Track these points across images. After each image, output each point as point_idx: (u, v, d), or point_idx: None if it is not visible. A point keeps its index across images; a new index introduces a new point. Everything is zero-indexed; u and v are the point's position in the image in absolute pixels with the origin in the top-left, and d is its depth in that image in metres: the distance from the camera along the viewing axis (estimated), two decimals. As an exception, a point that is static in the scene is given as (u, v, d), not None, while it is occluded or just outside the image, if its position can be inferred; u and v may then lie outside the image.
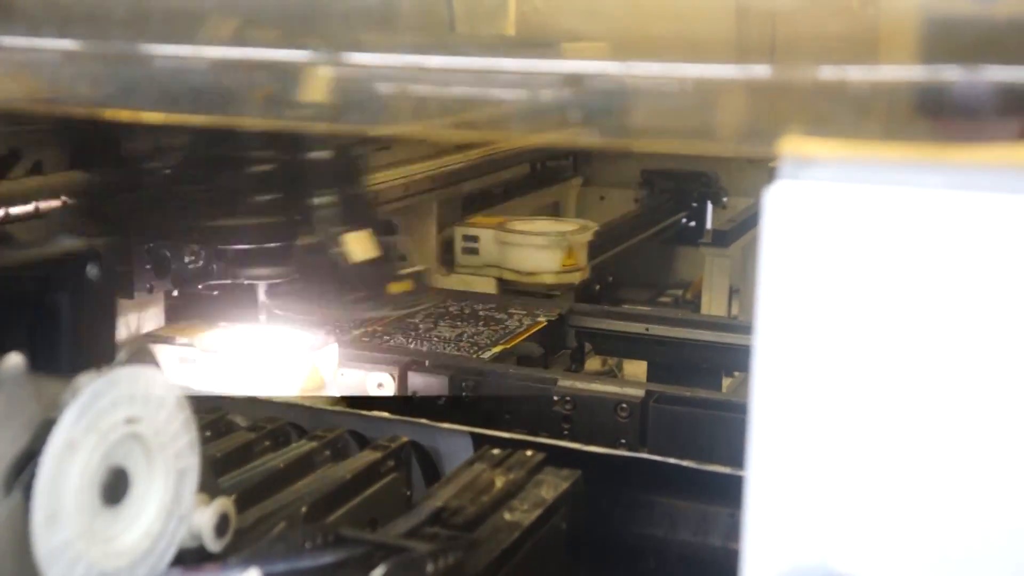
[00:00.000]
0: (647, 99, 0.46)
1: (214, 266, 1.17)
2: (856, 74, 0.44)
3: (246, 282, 1.18)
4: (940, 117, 0.42)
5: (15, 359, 0.55)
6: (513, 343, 1.34)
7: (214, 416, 0.90)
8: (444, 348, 1.31)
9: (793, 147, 0.43)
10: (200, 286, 1.20)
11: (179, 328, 1.23)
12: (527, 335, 1.37)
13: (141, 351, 0.59)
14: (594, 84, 0.48)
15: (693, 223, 2.60)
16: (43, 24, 0.60)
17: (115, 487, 0.57)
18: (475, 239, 1.82)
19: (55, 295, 0.53)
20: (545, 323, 1.42)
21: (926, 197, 0.41)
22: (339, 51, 0.56)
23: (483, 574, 0.71)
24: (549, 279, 1.66)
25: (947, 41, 0.43)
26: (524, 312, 1.46)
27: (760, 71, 0.46)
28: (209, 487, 0.64)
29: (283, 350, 1.13)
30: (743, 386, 1.46)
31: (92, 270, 0.53)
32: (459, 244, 1.84)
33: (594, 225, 1.83)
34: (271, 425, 0.90)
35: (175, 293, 1.23)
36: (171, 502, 0.60)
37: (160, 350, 1.16)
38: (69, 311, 0.53)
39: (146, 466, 0.59)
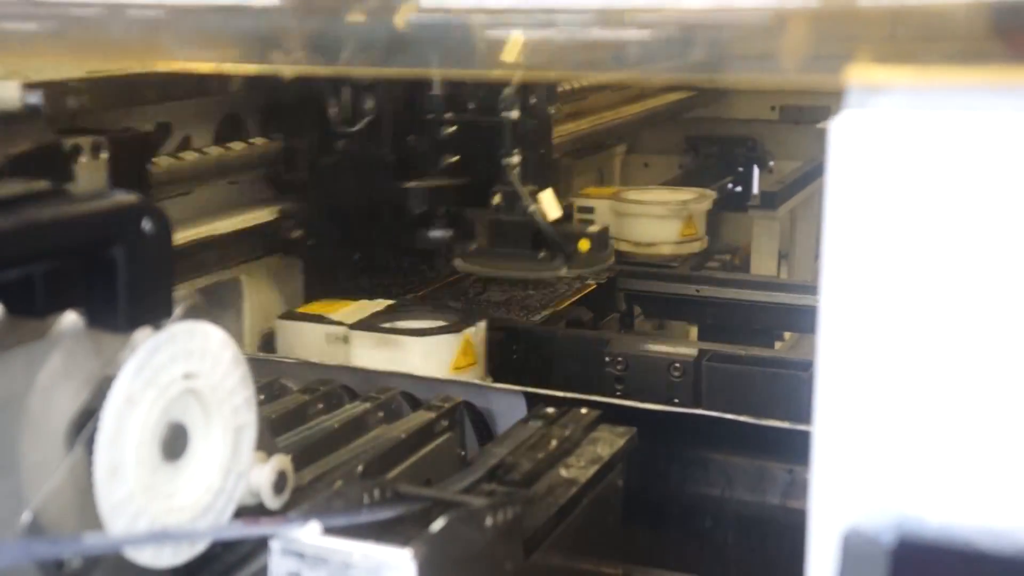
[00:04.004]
0: (707, 33, 0.45)
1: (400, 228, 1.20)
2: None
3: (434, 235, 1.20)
4: (1016, 39, 0.40)
5: (73, 317, 0.55)
6: (563, 306, 1.33)
7: (267, 379, 0.91)
8: (494, 312, 1.31)
9: (860, 75, 0.41)
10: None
11: (321, 306, 1.20)
12: (576, 298, 1.36)
13: (197, 307, 0.59)
14: (649, 20, 0.47)
15: (739, 188, 2.56)
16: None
17: (174, 442, 0.57)
18: (591, 210, 1.72)
19: (111, 250, 0.53)
20: (594, 286, 1.40)
21: (1003, 122, 0.39)
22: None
23: (541, 529, 0.70)
24: (667, 249, 1.60)
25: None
26: (573, 276, 1.45)
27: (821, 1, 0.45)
28: (266, 445, 0.64)
29: (437, 326, 1.09)
30: (797, 347, 1.45)
31: (147, 224, 0.53)
32: (575, 216, 1.75)
33: (712, 194, 1.75)
34: (324, 388, 0.90)
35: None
36: (229, 458, 0.60)
37: (307, 329, 1.13)
38: (125, 266, 0.53)
39: (204, 422, 0.59)
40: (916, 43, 0.42)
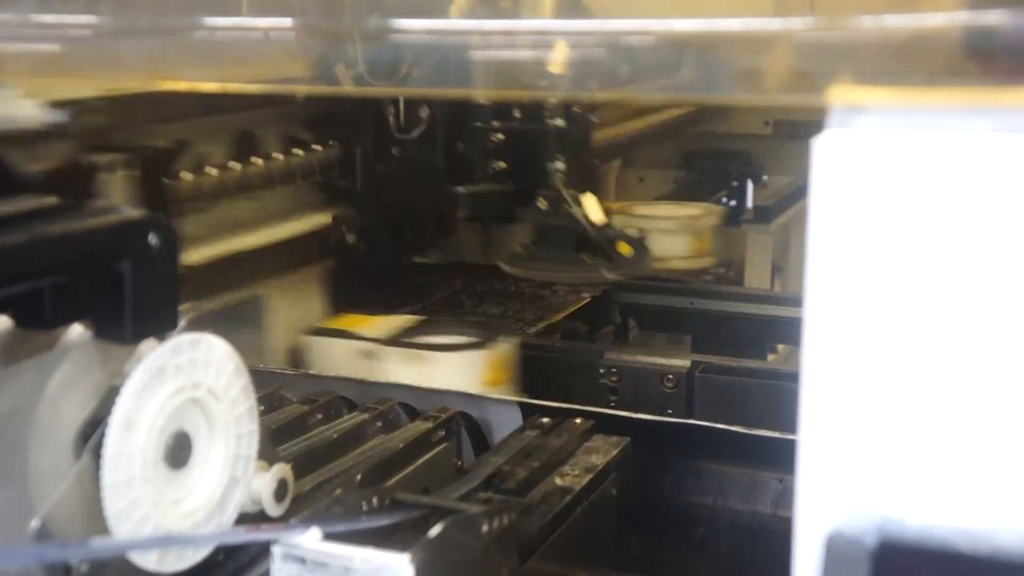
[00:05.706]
0: (694, 55, 0.47)
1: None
2: (901, 21, 0.44)
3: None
4: (987, 61, 0.42)
5: (80, 329, 0.57)
6: (558, 319, 1.35)
7: (267, 391, 0.92)
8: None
9: (841, 96, 0.43)
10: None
11: (346, 321, 1.20)
12: (571, 311, 1.38)
13: (201, 319, 0.60)
14: (639, 42, 0.49)
15: (733, 202, 2.58)
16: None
17: (179, 451, 0.59)
18: None
19: (118, 263, 0.54)
20: (589, 299, 1.42)
21: (978, 141, 0.41)
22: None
23: (536, 536, 0.72)
24: (678, 264, 1.60)
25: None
26: (568, 288, 1.46)
27: (805, 23, 0.46)
28: (267, 455, 0.66)
29: (469, 342, 1.10)
30: (790, 359, 1.46)
31: (154, 238, 0.55)
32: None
33: (719, 209, 1.76)
34: (323, 399, 0.91)
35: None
36: (232, 467, 0.62)
37: (339, 345, 1.12)
38: (132, 280, 0.55)
39: (207, 431, 0.61)
40: (897, 64, 0.44)
